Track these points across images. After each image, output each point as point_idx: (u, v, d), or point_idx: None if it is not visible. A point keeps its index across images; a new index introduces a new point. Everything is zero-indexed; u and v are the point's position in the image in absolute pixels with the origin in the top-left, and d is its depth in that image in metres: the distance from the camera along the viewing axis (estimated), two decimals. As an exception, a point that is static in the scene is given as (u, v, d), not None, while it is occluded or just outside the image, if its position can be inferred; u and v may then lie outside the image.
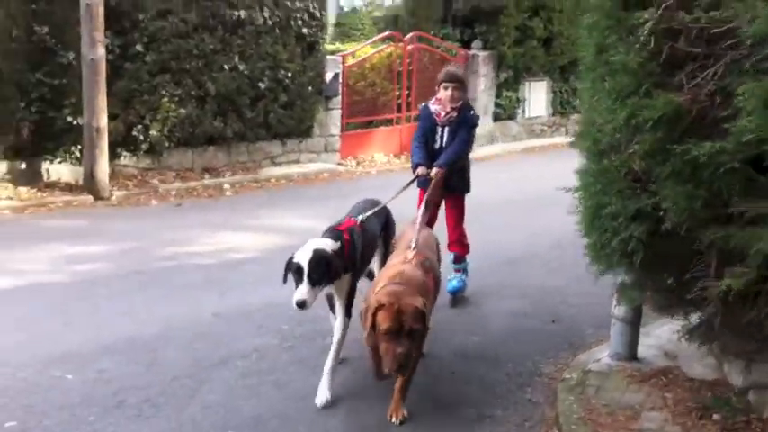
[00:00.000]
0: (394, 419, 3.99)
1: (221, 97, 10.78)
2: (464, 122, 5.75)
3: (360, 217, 4.71)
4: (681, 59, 3.22)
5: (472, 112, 5.90)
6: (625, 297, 4.30)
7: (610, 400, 4.36)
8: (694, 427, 3.99)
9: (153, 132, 10.19)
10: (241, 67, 10.94)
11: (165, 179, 10.43)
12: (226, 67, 10.77)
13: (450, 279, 5.92)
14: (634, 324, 4.81)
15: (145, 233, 8.06)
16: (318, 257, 4.11)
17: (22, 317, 5.44)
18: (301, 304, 4.03)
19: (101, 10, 9.12)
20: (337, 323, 4.49)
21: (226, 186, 10.63)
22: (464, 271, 6.05)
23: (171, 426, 3.98)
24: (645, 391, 4.45)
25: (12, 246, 7.34)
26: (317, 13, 11.88)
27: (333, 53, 12.71)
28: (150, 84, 10.07)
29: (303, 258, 4.09)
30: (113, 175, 9.88)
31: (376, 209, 4.92)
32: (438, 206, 5.82)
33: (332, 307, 4.62)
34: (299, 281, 4.08)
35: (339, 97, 12.49)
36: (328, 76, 12.19)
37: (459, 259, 6.02)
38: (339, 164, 12.53)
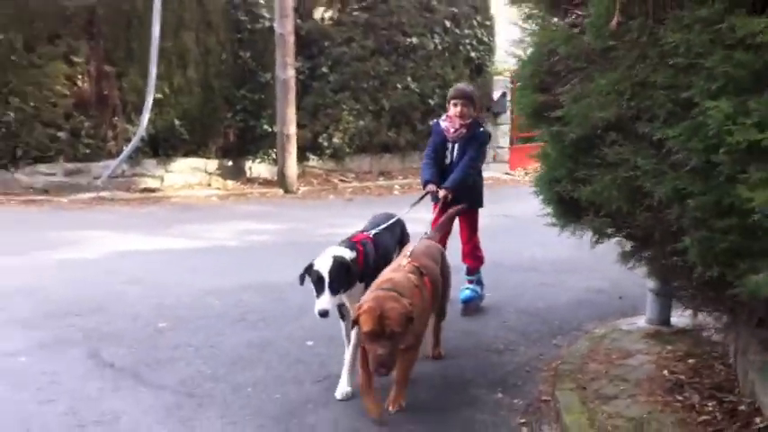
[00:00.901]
0: (390, 408, 3.98)
1: (395, 111, 12.40)
2: (474, 139, 5.69)
3: (372, 231, 4.72)
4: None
5: (482, 129, 5.84)
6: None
7: (617, 347, 4.88)
8: (669, 366, 4.47)
9: (335, 140, 12.06)
10: (413, 86, 12.51)
11: (345, 179, 12.19)
12: (399, 86, 12.41)
13: (462, 289, 5.88)
14: (663, 295, 5.14)
15: (313, 218, 9.65)
16: (338, 265, 4.13)
17: (197, 266, 7.11)
18: (324, 314, 4.06)
19: (292, 39, 11.08)
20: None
21: (396, 187, 12.13)
22: (477, 282, 6.01)
23: (272, 334, 5.17)
24: (650, 343, 4.92)
25: (212, 222, 9.28)
26: (486, 39, 13.15)
27: (501, 73, 13.84)
28: (333, 99, 11.94)
29: (324, 267, 4.10)
30: (303, 174, 11.80)
31: (388, 223, 4.93)
32: (452, 220, 5.72)
33: (342, 316, 4.54)
34: (320, 290, 4.09)
35: (507, 113, 13.56)
36: (496, 95, 13.33)
37: (472, 271, 5.97)
38: (506, 173, 13.55)
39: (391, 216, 5.03)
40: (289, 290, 5.94)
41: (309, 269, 4.15)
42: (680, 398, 4.02)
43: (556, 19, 3.76)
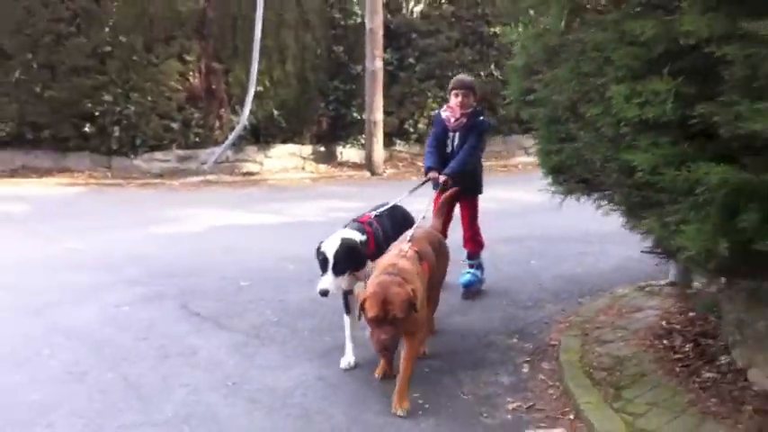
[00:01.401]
0: (400, 412, 3.91)
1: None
2: (474, 128, 5.72)
3: (374, 213, 4.85)
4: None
5: (482, 118, 5.86)
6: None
7: (631, 303, 5.38)
8: (668, 318, 4.93)
9: (420, 126, 12.80)
10: (496, 74, 13.04)
11: (429, 163, 12.92)
12: (482, 73, 12.95)
13: (463, 273, 5.95)
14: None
15: (394, 197, 10.42)
16: (345, 248, 4.23)
17: (282, 238, 8.00)
18: (324, 293, 4.19)
19: (380, 33, 11.88)
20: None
21: (478, 169, 12.74)
22: (478, 267, 6.03)
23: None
24: (660, 299, 5.40)
25: (302, 201, 10.22)
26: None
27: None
28: (419, 88, 12.69)
29: (330, 249, 4.22)
30: (390, 157, 12.64)
31: (388, 206, 5.05)
32: (453, 207, 5.83)
33: (346, 306, 4.58)
34: (323, 270, 4.21)
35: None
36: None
37: (472, 256, 6.01)
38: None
39: (396, 205, 5.13)
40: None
41: (318, 251, 4.28)
42: (666, 342, 4.60)
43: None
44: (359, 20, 12.29)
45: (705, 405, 3.74)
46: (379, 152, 12.24)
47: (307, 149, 12.51)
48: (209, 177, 11.53)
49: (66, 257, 6.98)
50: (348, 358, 4.45)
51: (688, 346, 4.44)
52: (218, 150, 11.74)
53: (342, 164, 12.79)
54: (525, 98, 4.16)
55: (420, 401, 4.00)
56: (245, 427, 3.74)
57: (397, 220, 5.02)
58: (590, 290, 5.87)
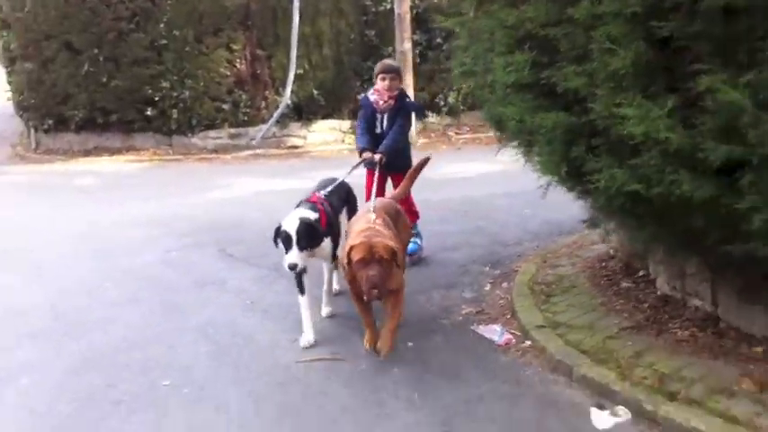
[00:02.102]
0: (382, 356, 4.18)
1: (503, 72, 13.76)
2: (402, 109, 5.87)
3: (322, 192, 4.97)
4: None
5: (408, 100, 6.09)
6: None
7: (590, 238, 5.89)
8: (616, 248, 5.50)
9: (450, 100, 13.66)
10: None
11: (459, 132, 13.79)
12: (505, 49, 13.70)
13: None
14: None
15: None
16: (304, 225, 4.38)
17: None
18: (293, 267, 4.34)
19: (408, 17, 12.74)
20: (326, 269, 4.95)
21: (504, 138, 13.55)
22: (417, 235, 6.15)
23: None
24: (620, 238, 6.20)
25: (337, 168, 11.15)
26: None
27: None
28: (446, 65, 13.49)
29: (291, 227, 4.36)
30: (423, 129, 13.55)
31: (335, 184, 5.18)
32: (385, 182, 5.87)
33: (300, 286, 4.62)
34: (288, 247, 4.35)
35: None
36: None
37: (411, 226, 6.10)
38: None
39: (335, 179, 5.28)
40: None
41: (278, 231, 4.43)
42: (603, 263, 5.45)
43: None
44: (388, 6, 13.12)
45: (612, 305, 4.65)
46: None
47: (345, 124, 13.50)
48: (258, 151, 12.65)
49: (127, 218, 8.20)
50: (308, 336, 4.54)
51: (619, 266, 5.33)
52: (264, 127, 12.82)
53: (379, 136, 13.78)
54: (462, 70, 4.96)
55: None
56: (255, 327, 4.83)
57: (341, 197, 5.24)
58: (569, 231, 6.48)
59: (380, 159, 5.60)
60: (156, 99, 12.35)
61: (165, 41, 12.31)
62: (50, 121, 13.25)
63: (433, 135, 13.72)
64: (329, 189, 5.04)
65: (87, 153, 13.13)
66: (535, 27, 3.55)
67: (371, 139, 5.81)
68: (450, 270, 5.86)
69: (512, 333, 4.50)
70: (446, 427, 3.48)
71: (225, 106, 12.76)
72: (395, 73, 5.87)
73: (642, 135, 2.78)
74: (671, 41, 2.83)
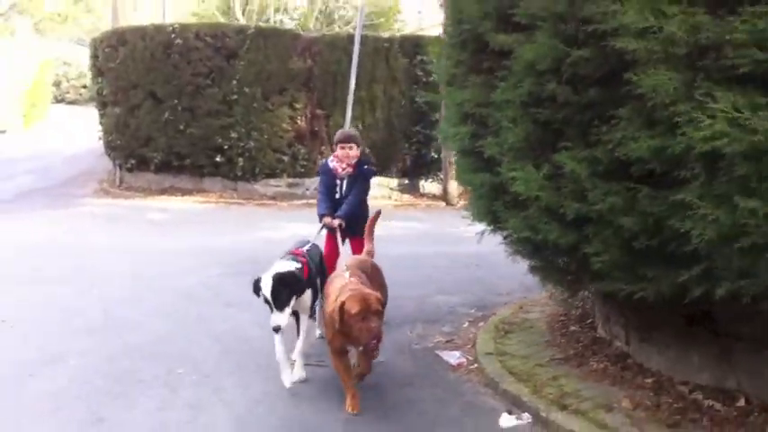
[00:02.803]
0: (353, 411, 4.31)
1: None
2: (360, 176, 6.13)
3: (305, 248, 5.10)
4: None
5: (366, 167, 6.29)
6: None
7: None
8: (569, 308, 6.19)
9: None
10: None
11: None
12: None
13: None
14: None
15: (459, 222, 12.33)
16: (279, 281, 4.40)
17: None
18: (277, 329, 4.42)
19: (457, 86, 13.90)
20: (302, 323, 4.92)
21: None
22: None
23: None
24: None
25: (384, 221, 12.27)
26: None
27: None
28: (491, 133, 14.53)
29: (266, 289, 4.39)
30: (464, 191, 14.51)
31: (311, 244, 5.28)
32: (337, 244, 5.97)
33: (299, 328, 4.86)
34: (270, 307, 4.43)
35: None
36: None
37: None
38: None
39: (306, 240, 5.37)
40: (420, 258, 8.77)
41: (256, 287, 4.52)
42: (566, 313, 6.24)
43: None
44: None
45: (555, 342, 5.48)
46: (454, 185, 14.17)
47: (393, 182, 14.61)
48: (311, 201, 13.82)
49: (184, 248, 9.42)
50: (287, 375, 4.67)
51: (577, 314, 6.12)
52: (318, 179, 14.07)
53: (423, 195, 14.83)
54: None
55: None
56: (263, 338, 5.66)
57: (318, 256, 5.44)
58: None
59: (339, 225, 5.87)
60: (225, 147, 13.73)
61: (235, 97, 13.72)
62: (133, 161, 14.82)
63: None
64: (308, 247, 5.18)
65: (163, 192, 14.58)
66: (472, 107, 4.55)
67: (331, 204, 6.07)
68: (440, 309, 6.74)
69: (466, 358, 5.37)
70: (386, 415, 4.38)
71: (285, 158, 14.07)
72: (353, 142, 6.14)
73: (524, 193, 3.73)
74: (552, 124, 3.78)
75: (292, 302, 4.47)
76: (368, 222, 5.73)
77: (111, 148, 15.39)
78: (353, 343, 4.28)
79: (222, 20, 17.26)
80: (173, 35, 13.86)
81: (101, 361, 5.28)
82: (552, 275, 4.53)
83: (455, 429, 4.28)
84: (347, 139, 6.16)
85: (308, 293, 4.71)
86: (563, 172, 3.65)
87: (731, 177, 2.87)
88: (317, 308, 5.09)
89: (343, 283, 4.39)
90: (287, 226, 11.34)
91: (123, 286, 7.44)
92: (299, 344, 4.84)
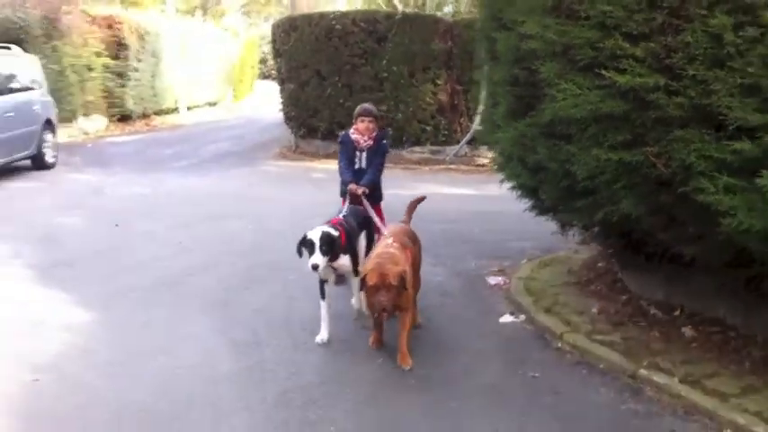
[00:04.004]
0: (405, 367, 4.85)
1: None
2: (379, 149, 6.57)
3: (341, 215, 5.70)
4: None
5: (385, 141, 6.71)
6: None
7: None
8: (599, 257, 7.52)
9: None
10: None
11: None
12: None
13: None
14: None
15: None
16: (326, 236, 5.03)
17: (477, 202, 11.79)
18: (315, 267, 4.97)
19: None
20: (354, 284, 5.63)
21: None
22: None
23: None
24: None
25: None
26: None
27: None
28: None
29: (315, 236, 5.00)
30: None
31: (346, 209, 5.94)
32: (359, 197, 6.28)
33: (322, 292, 5.32)
34: (311, 252, 4.98)
35: None
36: None
37: None
38: None
39: (357, 209, 6.00)
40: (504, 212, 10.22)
41: (304, 240, 5.06)
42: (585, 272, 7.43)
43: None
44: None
45: (579, 272, 6.85)
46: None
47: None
48: (451, 166, 15.46)
49: (322, 201, 11.47)
50: (323, 335, 5.30)
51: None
52: (457, 147, 15.71)
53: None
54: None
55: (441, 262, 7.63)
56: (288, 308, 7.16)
57: (358, 217, 5.92)
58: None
59: (363, 192, 6.24)
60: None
61: (385, 74, 15.53)
62: (304, 130, 17.20)
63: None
64: (346, 213, 5.80)
65: (328, 156, 16.74)
66: (491, 85, 6.03)
67: (354, 174, 6.45)
68: (510, 250, 7.98)
69: (504, 281, 6.91)
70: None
71: (428, 128, 15.77)
72: (373, 116, 6.57)
73: (507, 150, 5.27)
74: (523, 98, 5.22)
75: (327, 258, 5.05)
76: (411, 202, 6.16)
77: (288, 118, 17.87)
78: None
79: (385, 8, 19.08)
80: (333, 21, 15.86)
81: (240, 270, 7.35)
82: (541, 212, 5.97)
83: (466, 325, 5.87)
84: (368, 113, 6.55)
85: (347, 258, 5.32)
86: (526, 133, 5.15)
87: (589, 135, 4.30)
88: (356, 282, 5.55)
89: (380, 250, 4.97)
90: (423, 186, 13.01)
91: (276, 224, 9.43)
92: (354, 299, 5.73)
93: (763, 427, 3.89)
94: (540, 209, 6.01)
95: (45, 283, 6.84)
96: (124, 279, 6.99)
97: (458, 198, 11.89)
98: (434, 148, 15.94)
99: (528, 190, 5.91)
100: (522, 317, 5.93)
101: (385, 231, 5.46)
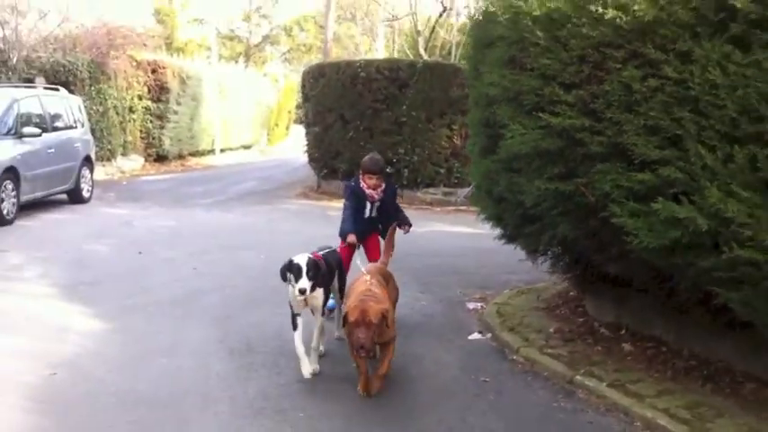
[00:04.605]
0: (363, 392, 5.03)
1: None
2: (390, 194, 6.89)
3: (322, 252, 5.70)
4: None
5: (393, 187, 7.15)
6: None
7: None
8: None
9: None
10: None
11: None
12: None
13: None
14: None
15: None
16: (312, 262, 5.19)
17: (477, 240, 12.47)
18: (303, 291, 5.08)
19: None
20: (317, 321, 5.55)
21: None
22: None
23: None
24: None
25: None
26: None
27: None
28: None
29: (302, 261, 5.15)
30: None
31: (331, 249, 6.03)
32: (354, 247, 6.64)
33: (294, 324, 5.40)
34: (298, 277, 5.11)
35: None
36: None
37: None
38: None
39: (329, 246, 6.11)
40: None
41: (290, 264, 5.20)
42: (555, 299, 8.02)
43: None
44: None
45: (550, 299, 7.46)
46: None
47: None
48: (461, 207, 16.08)
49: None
50: (306, 368, 5.31)
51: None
52: (468, 190, 16.40)
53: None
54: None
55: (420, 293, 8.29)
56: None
57: (335, 258, 6.07)
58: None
59: (406, 229, 6.91)
60: (394, 161, 16.42)
61: (404, 119, 16.34)
62: (326, 170, 18.08)
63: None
64: (326, 251, 5.87)
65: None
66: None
67: (358, 224, 6.65)
68: (496, 281, 8.62)
69: (482, 306, 7.55)
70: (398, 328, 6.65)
71: (442, 170, 16.51)
72: (382, 172, 6.78)
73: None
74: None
75: (311, 284, 5.15)
76: (388, 236, 6.41)
77: (311, 159, 18.80)
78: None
79: (410, 55, 20.07)
80: (359, 69, 16.83)
81: (245, 292, 8.10)
82: (508, 240, 6.65)
83: (438, 339, 6.52)
84: (377, 171, 6.71)
85: (319, 292, 5.36)
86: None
87: (533, 168, 5.02)
88: (337, 310, 6.19)
89: (361, 288, 5.04)
90: (431, 225, 13.82)
91: (285, 254, 9.83)
92: (314, 341, 5.49)
93: (666, 420, 4.48)
94: (507, 237, 6.66)
95: (69, 299, 7.64)
96: (140, 297, 7.78)
97: (461, 236, 12.52)
98: (447, 189, 16.67)
99: (495, 219, 6.59)
100: (489, 335, 6.57)
101: (364, 270, 5.64)
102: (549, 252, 6.37)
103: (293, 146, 35.58)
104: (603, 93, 4.68)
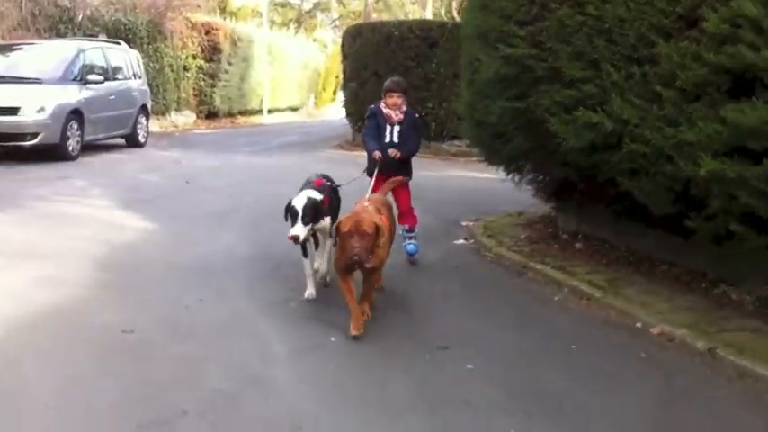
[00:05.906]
0: (353, 332, 4.57)
1: None
2: (412, 125, 6.46)
3: (324, 180, 5.60)
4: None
5: (417, 116, 6.68)
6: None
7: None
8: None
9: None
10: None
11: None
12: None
13: (406, 244, 6.72)
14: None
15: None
16: (311, 203, 4.95)
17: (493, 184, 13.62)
18: (296, 238, 4.91)
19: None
20: (326, 245, 5.55)
21: None
22: (415, 237, 6.74)
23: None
24: None
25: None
26: None
27: None
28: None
29: (299, 205, 4.92)
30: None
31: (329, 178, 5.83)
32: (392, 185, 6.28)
33: (304, 251, 5.36)
34: (294, 221, 4.91)
35: None
36: None
37: (412, 229, 6.70)
38: None
39: (326, 175, 5.83)
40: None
41: (289, 207, 4.99)
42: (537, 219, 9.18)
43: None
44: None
45: (530, 227, 8.60)
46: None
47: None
48: (482, 158, 17.20)
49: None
50: (310, 291, 5.35)
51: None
52: (492, 142, 17.48)
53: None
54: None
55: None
56: None
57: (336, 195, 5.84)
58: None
59: (396, 155, 6.26)
60: (423, 114, 17.57)
61: (433, 76, 17.48)
62: (360, 123, 19.22)
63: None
64: (329, 177, 5.83)
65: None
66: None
67: (382, 144, 6.33)
68: (496, 209, 9.87)
69: (474, 222, 8.74)
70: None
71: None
72: (402, 91, 6.44)
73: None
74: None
75: (309, 226, 5.02)
76: (390, 182, 6.11)
77: (348, 114, 20.06)
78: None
79: (446, 18, 21.09)
80: (393, 29, 17.97)
81: (271, 211, 9.03)
82: (489, 162, 7.83)
83: (428, 243, 7.70)
84: (397, 88, 6.42)
85: (327, 219, 5.28)
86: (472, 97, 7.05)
87: (497, 91, 6.21)
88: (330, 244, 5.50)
89: (355, 210, 4.89)
90: (449, 172, 15.02)
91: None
92: (325, 254, 5.58)
93: (586, 286, 5.70)
94: (486, 157, 7.85)
95: (126, 210, 9.04)
96: (183, 210, 9.20)
97: (478, 180, 13.58)
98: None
99: (477, 142, 7.78)
100: (472, 241, 7.78)
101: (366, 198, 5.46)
102: (518, 168, 7.51)
103: (339, 110, 37.08)
104: (546, 27, 5.80)
